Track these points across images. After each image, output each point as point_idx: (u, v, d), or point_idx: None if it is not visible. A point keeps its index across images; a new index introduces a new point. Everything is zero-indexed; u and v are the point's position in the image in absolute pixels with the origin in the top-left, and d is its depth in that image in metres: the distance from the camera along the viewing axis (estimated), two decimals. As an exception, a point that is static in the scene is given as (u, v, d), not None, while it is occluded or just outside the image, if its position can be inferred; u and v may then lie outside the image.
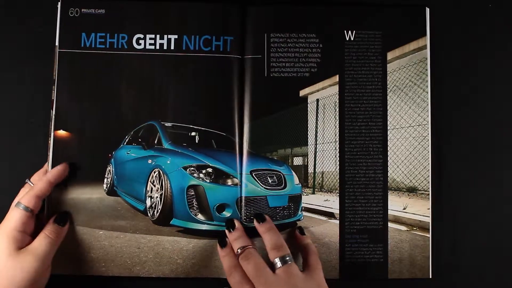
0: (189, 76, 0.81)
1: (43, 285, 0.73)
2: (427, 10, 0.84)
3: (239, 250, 0.73)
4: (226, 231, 0.77)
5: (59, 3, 0.81)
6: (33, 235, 0.73)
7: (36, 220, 0.74)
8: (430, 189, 0.82)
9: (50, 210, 0.78)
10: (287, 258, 0.70)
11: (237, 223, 0.77)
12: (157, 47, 0.82)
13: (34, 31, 0.84)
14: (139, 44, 0.82)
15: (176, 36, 0.82)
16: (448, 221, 0.84)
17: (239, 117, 0.81)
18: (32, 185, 0.76)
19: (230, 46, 0.82)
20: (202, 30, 0.82)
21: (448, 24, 0.86)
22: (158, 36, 0.82)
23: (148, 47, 0.82)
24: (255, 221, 0.77)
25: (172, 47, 0.82)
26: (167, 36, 0.82)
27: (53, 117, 0.80)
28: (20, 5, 0.85)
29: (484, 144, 0.85)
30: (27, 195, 0.72)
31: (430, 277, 0.81)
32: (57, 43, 0.81)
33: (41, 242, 0.71)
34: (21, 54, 0.84)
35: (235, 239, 0.75)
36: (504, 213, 0.84)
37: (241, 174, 0.80)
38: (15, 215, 0.71)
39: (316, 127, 0.83)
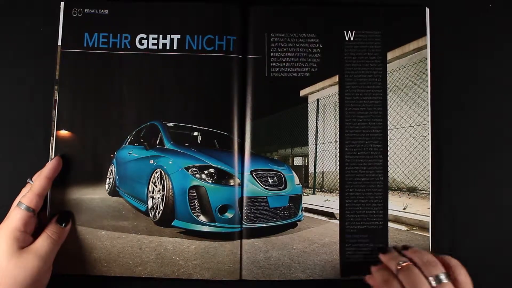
0: (191, 75, 0.81)
1: (45, 285, 0.73)
2: (427, 10, 0.84)
3: (400, 263, 0.71)
4: (380, 255, 0.77)
5: (62, 3, 0.81)
6: (34, 235, 0.73)
7: (37, 220, 0.75)
8: (430, 189, 0.82)
9: (52, 210, 0.79)
10: (442, 277, 0.68)
11: (389, 247, 0.79)
12: (160, 47, 0.82)
13: (36, 31, 0.84)
14: (141, 44, 0.82)
15: (178, 36, 0.82)
16: (448, 221, 0.84)
17: (240, 117, 0.81)
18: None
19: (233, 45, 0.82)
20: (205, 30, 0.82)
21: (448, 24, 0.86)
22: (161, 36, 0.82)
23: (150, 47, 0.82)
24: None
25: (175, 47, 0.82)
26: (170, 36, 0.82)
27: (56, 117, 0.80)
28: (23, 4, 0.85)
29: (484, 144, 0.85)
30: (28, 195, 0.73)
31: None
32: (59, 43, 0.81)
33: (43, 242, 0.72)
34: (22, 54, 0.84)
35: (391, 258, 0.75)
36: (504, 213, 0.84)
37: (242, 174, 0.80)
38: (17, 215, 0.71)
39: (317, 127, 0.83)
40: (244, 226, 0.79)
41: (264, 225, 0.80)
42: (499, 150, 0.85)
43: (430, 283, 0.67)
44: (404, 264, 0.71)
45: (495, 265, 0.83)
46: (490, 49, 0.86)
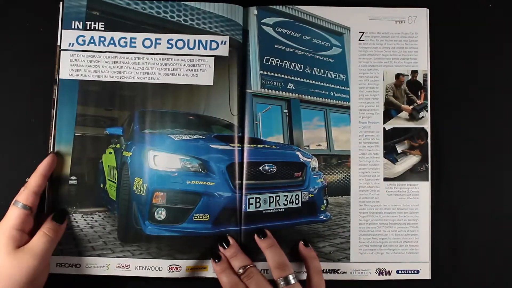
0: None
1: (42, 284, 0.73)
2: (427, 10, 0.84)
3: (241, 270, 0.73)
4: (220, 248, 0.77)
5: (61, 3, 0.82)
6: (31, 234, 0.73)
7: (34, 219, 0.74)
8: (430, 189, 0.82)
9: (50, 208, 0.79)
10: (290, 278, 0.71)
11: (231, 240, 0.78)
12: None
13: (36, 31, 0.84)
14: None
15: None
16: (448, 221, 0.83)
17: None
18: (32, 184, 0.76)
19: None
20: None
21: (448, 24, 0.86)
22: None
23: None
24: (256, 236, 0.78)
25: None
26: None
27: (55, 116, 0.80)
28: (23, 4, 0.85)
29: (484, 144, 0.85)
30: (23, 193, 0.72)
31: (430, 277, 0.81)
32: (59, 43, 0.81)
33: (39, 240, 0.71)
34: (22, 54, 0.84)
35: (233, 256, 0.76)
36: (504, 213, 0.84)
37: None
38: (13, 214, 0.71)
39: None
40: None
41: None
42: (499, 150, 0.85)
43: (278, 285, 0.71)
44: (246, 269, 0.73)
45: (495, 265, 0.82)
46: (490, 49, 0.86)
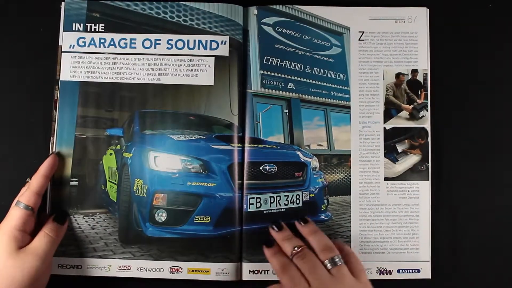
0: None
1: (44, 285, 0.73)
2: (427, 10, 0.84)
3: (295, 249, 0.72)
4: (272, 231, 0.78)
5: (63, 3, 0.82)
6: (33, 234, 0.73)
7: (37, 220, 0.74)
8: (430, 189, 0.82)
9: (52, 209, 0.79)
10: (337, 260, 0.70)
11: (282, 223, 0.78)
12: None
13: (36, 31, 0.84)
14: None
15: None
16: (448, 221, 0.84)
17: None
18: (33, 184, 0.76)
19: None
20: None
21: (448, 24, 0.86)
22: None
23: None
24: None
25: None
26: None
27: (56, 116, 0.80)
28: (23, 4, 0.85)
29: (484, 144, 0.85)
30: (25, 194, 0.72)
31: (430, 277, 0.81)
32: (60, 43, 0.81)
33: (41, 241, 0.71)
34: (23, 54, 0.84)
35: (285, 238, 0.76)
36: (504, 213, 0.84)
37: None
38: (15, 214, 0.71)
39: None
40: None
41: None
42: (499, 150, 0.85)
43: (326, 266, 0.70)
44: (299, 249, 0.72)
45: (495, 265, 0.83)
46: (490, 49, 0.86)
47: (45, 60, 0.82)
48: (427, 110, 0.84)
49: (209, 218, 0.78)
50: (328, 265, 0.70)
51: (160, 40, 0.82)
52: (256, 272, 0.79)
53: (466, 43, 0.86)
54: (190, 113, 0.82)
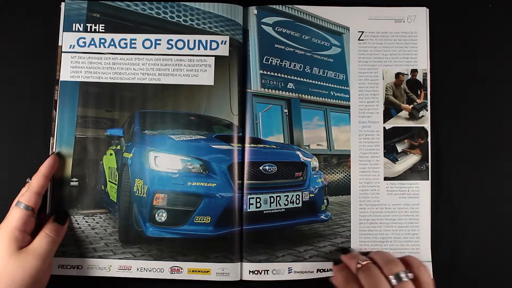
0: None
1: (44, 285, 0.73)
2: (427, 10, 0.84)
3: (360, 263, 0.71)
4: (341, 256, 0.77)
5: (63, 3, 0.82)
6: (33, 235, 0.73)
7: (37, 220, 0.74)
8: (430, 189, 0.82)
9: (52, 209, 0.79)
10: (402, 275, 0.68)
11: (351, 249, 0.79)
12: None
13: (36, 31, 0.84)
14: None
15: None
16: (448, 221, 0.84)
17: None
18: (33, 184, 0.76)
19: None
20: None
21: (448, 24, 0.86)
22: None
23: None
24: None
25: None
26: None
27: (56, 116, 0.80)
28: (23, 4, 0.85)
29: (484, 144, 0.85)
30: (26, 194, 0.73)
31: (431, 277, 0.81)
32: (60, 43, 0.81)
33: (41, 241, 0.71)
34: (22, 54, 0.84)
35: (352, 257, 0.75)
36: (504, 213, 0.84)
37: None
38: (16, 214, 0.71)
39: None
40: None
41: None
42: (499, 150, 0.85)
43: (390, 281, 0.67)
44: (364, 263, 0.71)
45: (495, 265, 0.83)
46: (490, 49, 0.86)
47: (45, 60, 0.82)
48: (426, 110, 0.84)
49: (210, 218, 0.78)
50: (393, 280, 0.67)
51: (160, 40, 0.82)
52: (256, 272, 0.79)
53: (466, 43, 0.86)
54: (190, 113, 0.82)
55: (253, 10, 0.84)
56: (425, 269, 0.70)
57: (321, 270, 0.80)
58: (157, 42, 0.82)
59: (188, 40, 0.82)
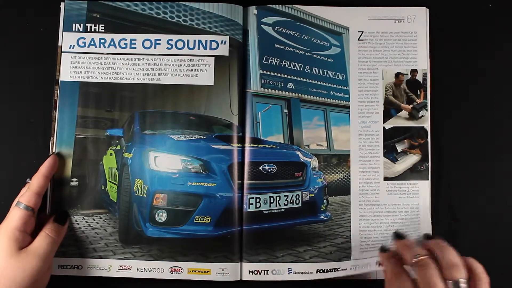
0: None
1: (44, 286, 0.73)
2: (426, 10, 0.84)
3: (417, 256, 0.65)
4: (394, 240, 0.73)
5: (63, 3, 0.82)
6: (33, 235, 0.73)
7: (37, 220, 0.74)
8: (430, 189, 0.82)
9: (52, 209, 0.79)
10: (462, 284, 0.62)
11: (403, 233, 0.74)
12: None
13: (36, 31, 0.84)
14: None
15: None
16: (448, 220, 0.84)
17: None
18: (33, 184, 0.76)
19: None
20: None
21: (448, 24, 0.86)
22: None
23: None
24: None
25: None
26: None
27: (56, 117, 0.80)
28: (23, 4, 0.85)
29: (484, 144, 0.85)
30: (26, 194, 0.73)
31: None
32: (60, 43, 0.81)
33: (41, 242, 0.71)
34: (22, 54, 0.84)
35: (407, 245, 0.69)
36: (504, 213, 0.84)
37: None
38: (16, 215, 0.71)
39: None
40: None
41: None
42: (499, 149, 0.85)
43: (447, 285, 0.62)
44: (423, 258, 0.65)
45: (495, 265, 0.82)
46: (490, 49, 0.86)
47: (45, 60, 0.82)
48: (426, 110, 0.84)
49: (210, 218, 0.78)
50: (451, 286, 0.61)
51: (160, 40, 0.82)
52: (256, 272, 0.79)
53: (466, 43, 0.86)
54: (190, 113, 0.82)
55: (253, 10, 0.84)
56: (486, 278, 0.65)
57: (321, 271, 0.80)
58: (157, 42, 0.82)
59: (188, 40, 0.82)
